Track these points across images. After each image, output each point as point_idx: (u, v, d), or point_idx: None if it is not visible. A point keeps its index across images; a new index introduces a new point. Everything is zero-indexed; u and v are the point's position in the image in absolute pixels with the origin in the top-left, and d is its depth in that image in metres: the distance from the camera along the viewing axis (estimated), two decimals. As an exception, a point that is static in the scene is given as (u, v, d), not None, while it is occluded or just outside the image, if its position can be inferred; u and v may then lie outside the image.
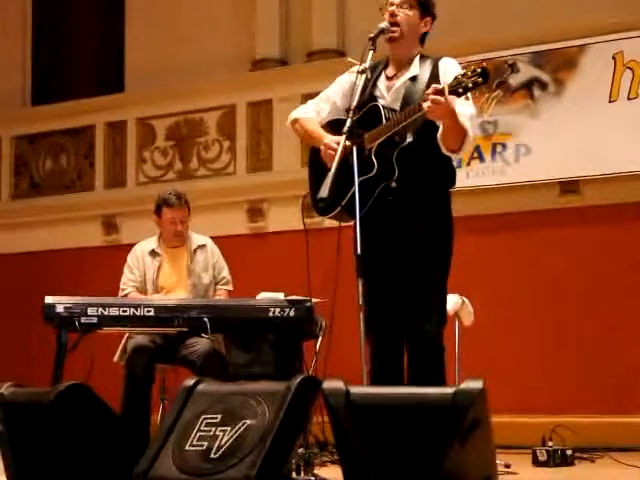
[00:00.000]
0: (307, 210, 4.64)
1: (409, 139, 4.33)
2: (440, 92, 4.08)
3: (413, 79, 4.46)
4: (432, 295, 4.37)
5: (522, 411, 7.60)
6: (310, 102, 4.74)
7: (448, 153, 4.34)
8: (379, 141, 4.32)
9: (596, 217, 7.72)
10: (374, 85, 4.53)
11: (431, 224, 4.39)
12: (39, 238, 9.80)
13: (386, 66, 4.58)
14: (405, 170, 4.32)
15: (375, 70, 4.57)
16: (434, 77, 4.42)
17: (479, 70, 4.03)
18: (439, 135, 4.29)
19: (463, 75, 4.08)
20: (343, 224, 4.44)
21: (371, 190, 4.29)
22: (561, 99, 7.92)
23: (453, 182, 4.50)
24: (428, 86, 4.31)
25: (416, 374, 4.33)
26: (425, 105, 4.11)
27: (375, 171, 4.28)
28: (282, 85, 8.90)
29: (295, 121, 4.69)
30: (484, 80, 4.05)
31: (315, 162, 4.54)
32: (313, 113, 4.66)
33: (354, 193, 4.18)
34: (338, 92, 4.61)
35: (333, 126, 4.52)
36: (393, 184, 4.33)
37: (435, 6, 4.57)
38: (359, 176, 4.19)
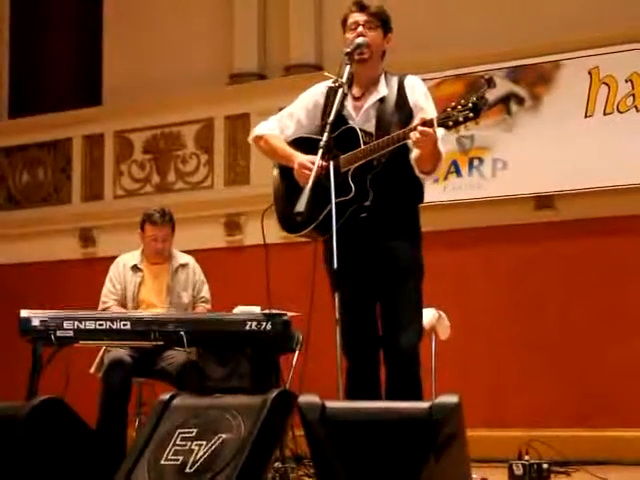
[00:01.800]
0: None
1: (384, 160, 4.33)
2: (428, 124, 4.07)
3: (382, 100, 4.46)
4: (408, 309, 4.38)
5: (498, 425, 7.62)
6: (272, 118, 4.69)
7: (422, 175, 4.35)
8: (356, 165, 4.33)
9: (570, 232, 7.75)
10: (341, 105, 4.52)
11: (403, 240, 4.41)
12: (16, 251, 9.76)
13: (350, 86, 4.54)
14: (379, 190, 4.33)
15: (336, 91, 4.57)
16: (402, 97, 4.43)
17: (470, 105, 4.00)
18: (414, 158, 4.29)
19: (453, 108, 4.05)
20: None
21: (344, 209, 4.29)
22: (537, 114, 7.96)
23: (422, 198, 4.52)
24: (398, 106, 4.35)
25: (394, 388, 4.33)
26: (412, 135, 4.10)
27: (352, 194, 4.29)
28: (260, 99, 8.90)
29: (259, 138, 4.65)
30: (475, 115, 4.01)
31: (284, 179, 4.54)
32: (277, 130, 4.62)
33: (329, 211, 4.17)
34: (302, 109, 4.59)
35: (297, 144, 4.51)
36: (367, 202, 4.34)
37: (390, 19, 4.55)
38: (337, 197, 4.19)
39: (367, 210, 4.35)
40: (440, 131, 4.21)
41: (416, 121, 4.14)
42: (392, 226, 4.39)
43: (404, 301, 4.37)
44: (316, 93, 4.59)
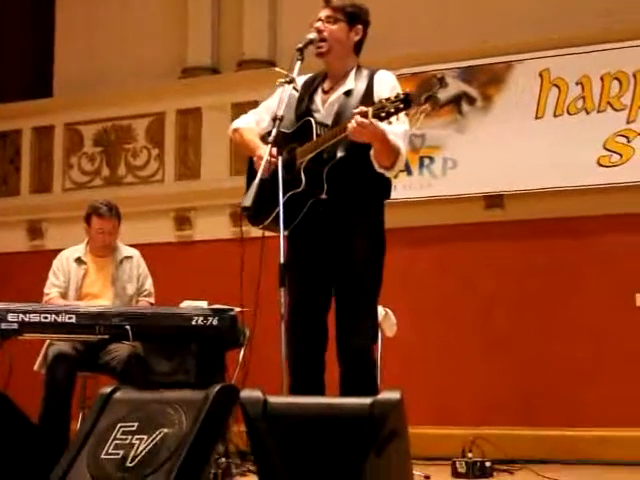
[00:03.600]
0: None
1: (340, 154, 4.33)
2: (365, 115, 4.09)
3: (347, 93, 4.47)
4: (363, 309, 4.37)
5: (442, 422, 7.65)
6: (251, 112, 4.74)
7: (381, 170, 4.34)
8: (308, 157, 4.34)
9: (520, 231, 7.80)
10: (310, 98, 4.54)
11: (362, 237, 4.39)
12: (-38, 242, 9.67)
13: (324, 79, 4.59)
14: (336, 184, 4.32)
15: (313, 83, 4.58)
16: (369, 91, 4.43)
17: (402, 96, 4.06)
18: (371, 153, 4.30)
19: (387, 99, 4.09)
20: (267, 234, 4.45)
21: (302, 203, 4.30)
22: (488, 114, 8.00)
23: (387, 194, 4.51)
24: (362, 101, 4.35)
25: (349, 388, 4.31)
26: (349, 126, 4.12)
27: (303, 187, 4.28)
28: (212, 93, 8.88)
29: (235, 131, 4.70)
30: (406, 106, 4.07)
31: (250, 172, 4.55)
32: (254, 123, 4.66)
33: (286, 205, 4.18)
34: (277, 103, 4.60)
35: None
36: (323, 196, 4.33)
37: (367, 12, 4.56)
38: (289, 190, 4.21)
39: (324, 204, 4.34)
40: (401, 127, 4.25)
41: (355, 111, 4.16)
42: (350, 222, 4.38)
43: (359, 303, 4.36)
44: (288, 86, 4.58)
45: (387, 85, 4.44)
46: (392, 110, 4.07)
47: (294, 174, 4.31)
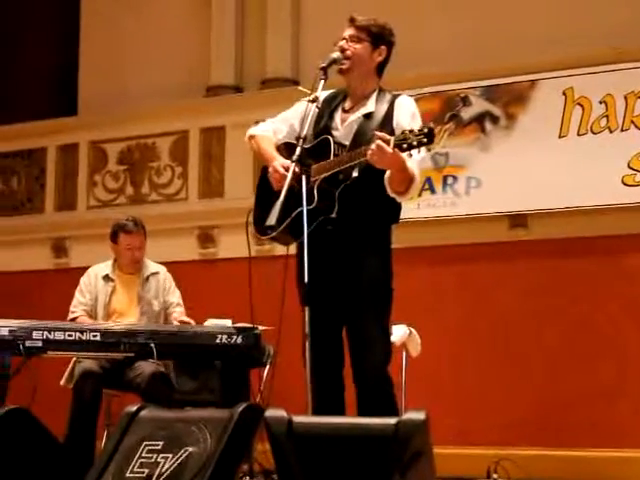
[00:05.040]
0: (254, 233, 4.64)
1: (355, 174, 4.32)
2: (387, 141, 4.08)
3: (368, 116, 4.46)
4: (374, 329, 4.35)
5: (467, 443, 7.61)
6: (269, 120, 4.74)
7: (393, 195, 4.34)
8: (323, 176, 4.34)
9: (543, 251, 7.78)
10: (330, 116, 4.53)
11: (369, 258, 4.38)
12: (-13, 260, 9.71)
13: (345, 98, 4.59)
14: (347, 204, 4.32)
15: (334, 100, 4.58)
16: (388, 116, 4.43)
17: (426, 130, 4.04)
18: (386, 177, 4.29)
19: (411, 131, 4.08)
20: (290, 252, 4.46)
21: (311, 220, 4.26)
22: (512, 133, 7.98)
23: (396, 219, 4.51)
24: (382, 125, 4.35)
25: (366, 409, 4.29)
26: (369, 151, 4.11)
27: (314, 204, 4.27)
28: (235, 112, 8.90)
29: (252, 137, 4.69)
30: (429, 141, 4.05)
31: (263, 181, 4.55)
32: (270, 132, 4.66)
33: (295, 218, 4.21)
34: (296, 117, 4.58)
35: (289, 148, 4.50)
36: (333, 215, 4.33)
37: (392, 33, 4.55)
38: (299, 206, 4.21)
39: (333, 223, 4.33)
40: (417, 154, 4.22)
41: (378, 134, 4.15)
42: (359, 242, 4.38)
43: (369, 322, 4.34)
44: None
45: (407, 111, 4.45)
46: (414, 143, 4.06)
47: (308, 190, 4.30)
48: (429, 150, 4.29)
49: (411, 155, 4.13)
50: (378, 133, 4.16)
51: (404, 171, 4.22)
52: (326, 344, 4.36)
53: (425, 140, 4.05)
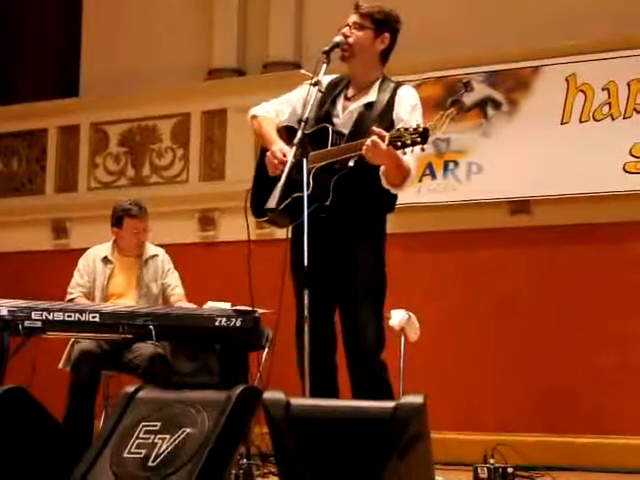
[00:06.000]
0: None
1: (351, 163, 4.30)
2: (382, 138, 4.08)
3: (368, 106, 4.45)
4: (368, 315, 4.36)
5: (465, 428, 7.63)
6: (273, 101, 4.72)
7: (388, 187, 4.34)
8: (320, 165, 4.33)
9: (545, 237, 7.78)
10: (333, 103, 4.52)
11: (365, 244, 4.40)
12: (-14, 240, 9.71)
13: (348, 85, 4.57)
14: (342, 193, 4.32)
15: (338, 86, 4.56)
16: (389, 106, 4.42)
17: (421, 130, 4.05)
18: (381, 170, 4.29)
19: (406, 130, 4.09)
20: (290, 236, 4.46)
21: (307, 205, 4.27)
22: (514, 119, 7.97)
23: (391, 208, 4.51)
24: (381, 115, 4.35)
25: (360, 393, 4.31)
26: (364, 146, 4.12)
27: (309, 191, 4.25)
28: (237, 95, 8.88)
29: (254, 117, 4.67)
30: (422, 141, 4.06)
31: (261, 163, 4.54)
32: (273, 113, 4.64)
33: (292, 202, 4.22)
34: (299, 99, 4.56)
35: (289, 131, 4.50)
36: (327, 202, 4.32)
37: (397, 20, 4.53)
38: (296, 191, 4.22)
39: (326, 210, 4.33)
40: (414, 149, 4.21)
41: (374, 130, 4.14)
42: (352, 229, 4.38)
43: (362, 308, 4.36)
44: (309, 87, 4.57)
45: (407, 104, 4.43)
46: (408, 142, 4.07)
47: (303, 177, 4.30)
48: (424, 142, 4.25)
49: (405, 153, 4.13)
50: (374, 129, 4.15)
51: (399, 168, 4.22)
52: (319, 327, 4.35)
53: (419, 140, 4.06)
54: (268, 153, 4.42)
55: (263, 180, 4.39)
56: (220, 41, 9.37)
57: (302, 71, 4.70)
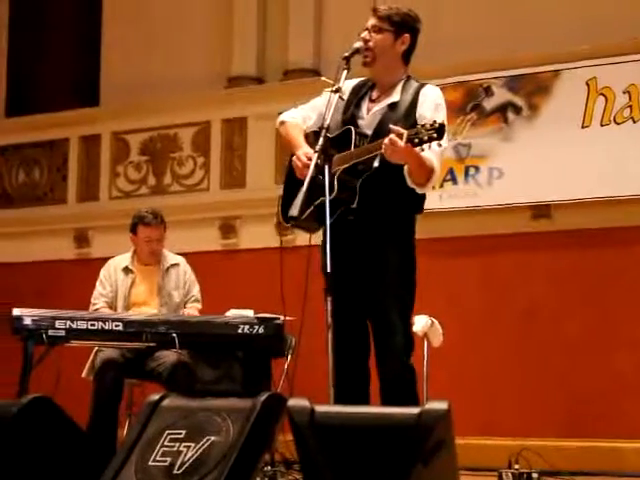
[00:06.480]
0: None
1: (376, 164, 4.29)
2: (400, 136, 4.08)
3: (392, 106, 4.44)
4: (398, 321, 4.34)
5: (489, 433, 7.61)
6: (300, 107, 4.71)
7: (413, 186, 4.32)
8: (343, 167, 4.33)
9: (566, 242, 7.75)
10: (357, 105, 4.52)
11: (391, 248, 4.38)
12: (10, 250, 9.75)
13: (373, 87, 4.57)
14: (368, 194, 4.31)
15: (362, 89, 4.56)
16: (412, 105, 4.41)
17: (437, 126, 4.05)
18: (405, 168, 4.28)
19: (423, 126, 4.09)
20: (313, 242, 4.46)
21: (332, 210, 4.25)
22: (535, 124, 7.96)
23: (419, 209, 4.49)
24: (405, 115, 4.35)
25: (388, 399, 4.29)
26: (384, 144, 4.12)
27: (334, 195, 4.26)
28: (257, 103, 8.92)
29: (282, 123, 4.68)
30: (439, 137, 4.05)
31: (291, 169, 4.55)
32: (300, 119, 4.64)
33: (319, 207, 4.22)
34: (324, 106, 4.50)
35: (317, 136, 4.46)
36: (354, 205, 4.32)
37: (416, 20, 4.51)
38: (322, 195, 4.21)
39: (354, 213, 4.33)
40: (436, 146, 4.19)
41: (392, 128, 4.14)
42: (381, 232, 4.37)
43: (392, 312, 4.34)
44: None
45: (430, 103, 4.42)
46: (425, 138, 4.06)
47: (329, 180, 4.29)
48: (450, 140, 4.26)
49: (423, 150, 4.12)
50: (393, 127, 4.14)
51: (421, 166, 4.22)
52: (350, 334, 4.35)
53: (435, 135, 4.05)
54: (294, 157, 4.43)
55: (292, 186, 4.39)
56: (240, 49, 9.39)
57: (322, 78, 4.68)
